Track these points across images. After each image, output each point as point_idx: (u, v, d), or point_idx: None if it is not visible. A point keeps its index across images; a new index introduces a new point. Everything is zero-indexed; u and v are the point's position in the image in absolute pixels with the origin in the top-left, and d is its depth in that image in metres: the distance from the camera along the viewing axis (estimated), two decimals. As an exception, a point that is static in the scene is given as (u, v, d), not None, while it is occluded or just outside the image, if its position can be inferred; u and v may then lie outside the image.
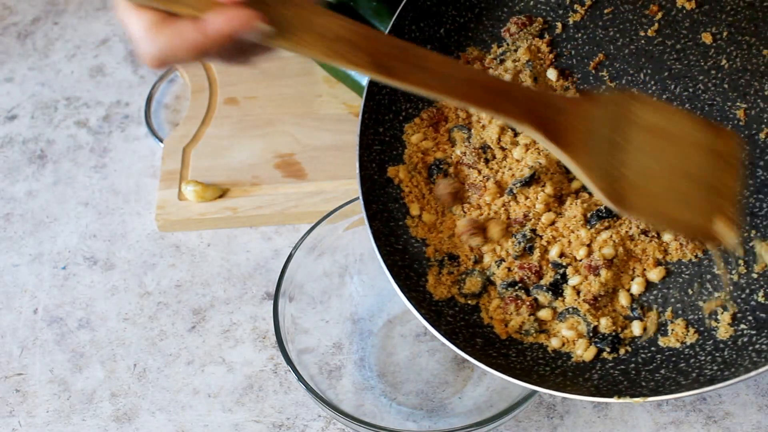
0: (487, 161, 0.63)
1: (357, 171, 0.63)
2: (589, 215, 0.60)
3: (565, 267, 0.60)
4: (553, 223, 0.61)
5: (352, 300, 0.72)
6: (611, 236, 0.60)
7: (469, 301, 0.62)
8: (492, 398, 0.65)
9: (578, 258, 0.60)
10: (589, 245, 0.60)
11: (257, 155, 0.84)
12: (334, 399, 0.65)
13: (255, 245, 0.78)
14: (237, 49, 0.45)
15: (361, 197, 0.62)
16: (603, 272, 0.59)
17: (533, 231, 0.61)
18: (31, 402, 0.68)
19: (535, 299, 0.60)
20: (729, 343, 0.55)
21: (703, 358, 0.55)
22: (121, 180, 0.84)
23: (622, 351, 0.58)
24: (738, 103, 0.58)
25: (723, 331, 0.56)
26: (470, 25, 0.67)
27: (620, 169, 0.50)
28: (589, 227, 0.60)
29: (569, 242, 0.61)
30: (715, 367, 0.53)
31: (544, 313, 0.60)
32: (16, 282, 0.76)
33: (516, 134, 0.63)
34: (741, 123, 0.58)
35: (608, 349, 0.58)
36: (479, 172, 0.63)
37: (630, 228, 0.60)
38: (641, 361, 0.56)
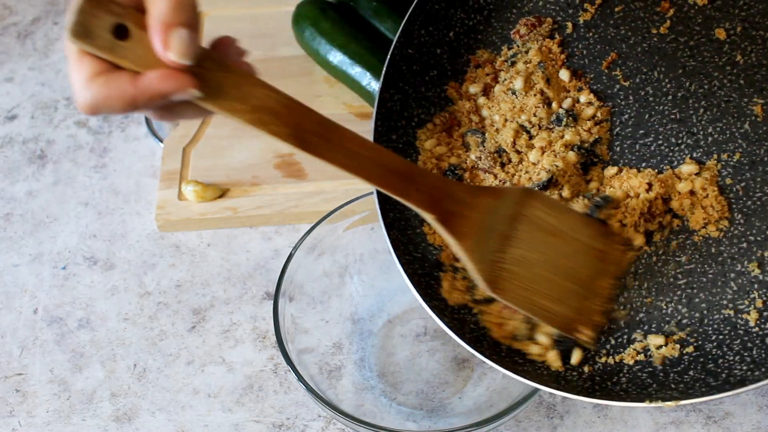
0: (503, 165, 0.63)
1: None
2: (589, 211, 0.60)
3: None
4: None
5: (352, 300, 0.72)
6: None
7: (482, 308, 0.61)
8: (492, 398, 0.65)
9: None
10: None
11: (257, 155, 0.84)
12: (334, 399, 0.65)
13: (255, 245, 0.78)
14: (168, 107, 0.47)
15: (377, 206, 0.62)
16: None
17: None
18: (31, 402, 0.68)
19: None
20: (757, 341, 0.54)
21: (731, 358, 0.54)
22: (121, 180, 0.84)
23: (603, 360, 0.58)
24: (755, 99, 0.57)
25: (752, 325, 0.55)
26: (479, 28, 0.67)
27: (502, 258, 0.55)
28: None
29: None
30: (745, 368, 0.52)
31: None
32: (16, 282, 0.76)
33: (531, 137, 0.63)
34: (758, 119, 0.57)
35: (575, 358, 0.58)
36: (495, 176, 0.63)
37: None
38: (669, 363, 0.56)
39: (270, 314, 0.72)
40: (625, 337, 0.58)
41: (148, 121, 0.88)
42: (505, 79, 0.65)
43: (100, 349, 0.72)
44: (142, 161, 0.85)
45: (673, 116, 0.60)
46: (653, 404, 0.52)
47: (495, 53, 0.66)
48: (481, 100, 0.65)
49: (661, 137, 0.61)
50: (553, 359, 0.58)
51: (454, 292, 0.61)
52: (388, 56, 0.65)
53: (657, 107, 0.61)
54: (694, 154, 0.59)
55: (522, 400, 0.59)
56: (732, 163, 0.58)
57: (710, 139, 0.59)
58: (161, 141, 0.85)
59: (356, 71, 0.85)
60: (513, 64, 0.65)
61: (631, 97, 0.62)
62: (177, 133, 0.85)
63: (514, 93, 0.64)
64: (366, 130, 0.85)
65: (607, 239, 0.59)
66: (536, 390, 0.57)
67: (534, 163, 0.62)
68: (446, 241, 0.54)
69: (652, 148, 0.61)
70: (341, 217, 0.70)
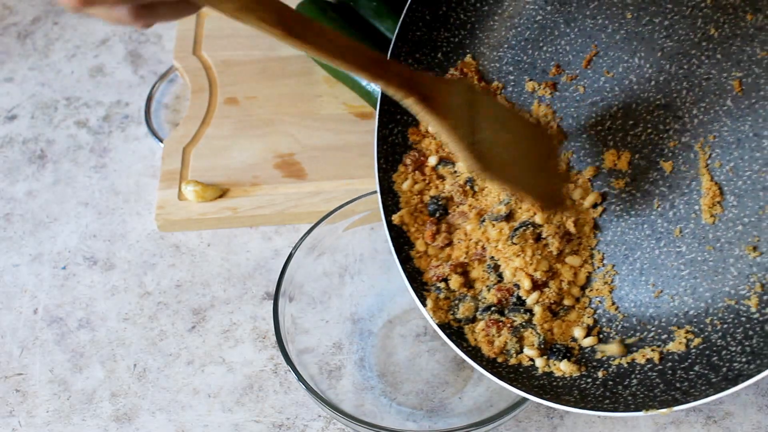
0: (474, 192, 0.65)
1: (380, 205, 0.66)
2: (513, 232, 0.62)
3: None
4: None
5: (352, 300, 0.72)
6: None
7: (466, 327, 0.62)
8: (492, 398, 0.65)
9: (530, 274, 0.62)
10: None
11: (257, 155, 0.84)
12: (334, 399, 0.65)
13: (255, 245, 0.78)
14: (148, 5, 0.46)
15: (381, 206, 0.64)
16: (552, 283, 0.61)
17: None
18: (31, 402, 0.68)
19: (513, 320, 0.61)
20: (757, 329, 0.53)
21: (734, 348, 0.54)
22: (121, 180, 0.84)
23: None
24: (734, 72, 0.57)
25: (753, 311, 0.55)
26: (465, 42, 0.68)
27: (475, 140, 0.55)
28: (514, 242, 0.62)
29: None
30: (744, 359, 0.52)
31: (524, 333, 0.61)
32: (16, 282, 0.76)
33: None
34: (739, 94, 0.57)
35: (558, 360, 0.59)
36: (470, 206, 0.65)
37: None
38: (678, 359, 0.56)
39: (270, 314, 0.72)
40: (638, 335, 0.59)
41: (148, 122, 0.88)
42: None
43: (100, 349, 0.72)
44: (142, 161, 0.85)
45: (658, 102, 0.60)
46: (650, 413, 0.53)
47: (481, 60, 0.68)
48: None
49: (650, 125, 0.60)
50: (571, 368, 0.58)
51: (438, 311, 0.62)
52: (380, 93, 0.67)
53: (642, 95, 0.61)
54: (683, 139, 0.59)
55: (522, 400, 0.59)
56: (719, 143, 0.58)
57: (696, 120, 0.58)
58: (161, 141, 0.85)
59: (356, 71, 0.85)
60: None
61: (617, 88, 0.62)
62: (177, 133, 0.85)
63: None
64: (367, 129, 0.85)
65: (536, 125, 0.62)
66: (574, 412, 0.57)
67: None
68: (430, 125, 0.55)
69: (643, 138, 0.61)
70: (341, 217, 0.70)
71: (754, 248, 0.55)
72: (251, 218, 0.79)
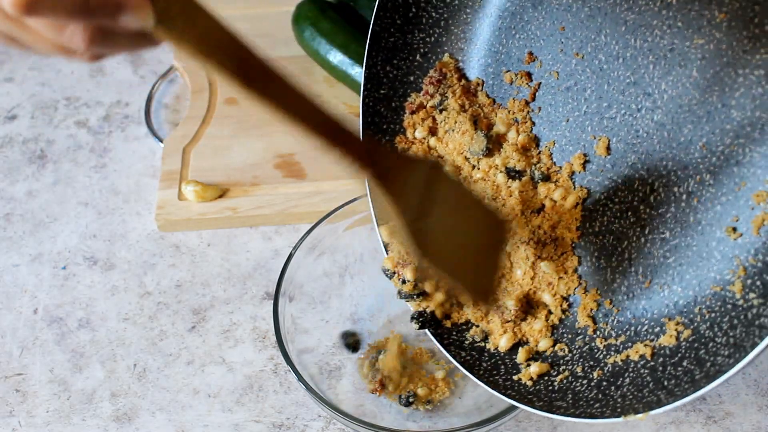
0: None
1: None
2: None
3: None
4: None
5: (352, 300, 0.72)
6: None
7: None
8: (492, 398, 0.65)
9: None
10: None
11: (257, 155, 0.84)
12: (334, 399, 0.65)
13: (255, 245, 0.78)
14: (103, 32, 0.42)
15: (371, 206, 0.65)
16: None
17: None
18: (31, 402, 0.68)
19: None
20: (741, 317, 0.52)
21: (720, 340, 0.53)
22: (121, 180, 0.84)
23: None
24: (695, 40, 0.56)
25: (737, 297, 0.53)
26: (442, 39, 0.68)
27: (426, 225, 0.54)
28: None
29: None
30: (726, 353, 0.52)
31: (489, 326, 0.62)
32: (16, 282, 0.76)
33: (475, 167, 0.65)
34: (703, 61, 0.56)
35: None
36: None
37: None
38: (668, 353, 0.55)
39: (270, 314, 0.72)
40: (633, 329, 0.58)
41: (148, 122, 0.88)
42: (442, 120, 0.66)
43: (100, 349, 0.72)
44: (142, 161, 0.85)
45: (628, 80, 0.60)
46: (628, 418, 0.52)
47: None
48: (432, 141, 0.67)
49: (623, 106, 0.60)
50: (578, 368, 0.58)
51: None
52: (361, 108, 0.67)
53: (612, 74, 0.61)
54: (655, 117, 0.58)
55: (522, 400, 0.59)
56: (690, 119, 0.57)
57: (666, 96, 0.58)
58: (161, 141, 0.85)
59: (356, 71, 0.85)
60: (441, 111, 0.67)
61: (588, 70, 0.62)
62: (177, 133, 0.85)
63: (453, 131, 0.66)
64: (366, 130, 0.85)
65: (494, 218, 0.60)
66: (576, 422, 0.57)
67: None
68: (381, 204, 0.54)
69: (618, 120, 0.60)
70: (341, 217, 0.70)
71: (734, 229, 0.54)
72: (251, 218, 0.79)
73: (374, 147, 0.53)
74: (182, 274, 0.76)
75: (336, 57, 0.86)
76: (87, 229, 0.80)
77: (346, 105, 0.88)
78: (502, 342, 0.61)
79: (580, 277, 0.61)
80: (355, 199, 0.70)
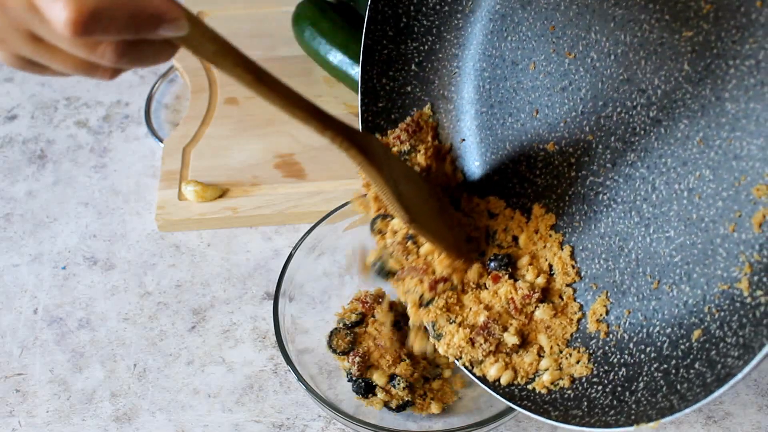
0: (417, 248, 0.64)
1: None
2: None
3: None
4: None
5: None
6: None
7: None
8: (492, 398, 0.65)
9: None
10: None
11: (257, 155, 0.84)
12: (334, 399, 0.65)
13: (255, 245, 0.78)
14: (135, 44, 0.42)
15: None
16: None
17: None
18: (31, 402, 0.68)
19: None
20: (750, 316, 0.52)
21: (730, 340, 0.52)
22: (121, 180, 0.84)
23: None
24: (684, 32, 0.56)
25: (745, 295, 0.53)
26: (436, 47, 0.68)
27: (401, 192, 0.58)
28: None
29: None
30: (736, 354, 0.51)
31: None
32: (16, 282, 0.76)
33: None
34: (693, 54, 0.55)
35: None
36: (414, 258, 0.64)
37: None
38: (681, 355, 0.55)
39: (270, 314, 0.72)
40: (645, 331, 0.58)
41: (148, 122, 0.88)
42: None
43: (100, 349, 0.72)
44: (142, 161, 0.85)
45: (621, 77, 0.59)
46: (640, 426, 0.52)
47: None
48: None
49: (618, 104, 0.60)
50: (582, 368, 0.58)
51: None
52: (360, 125, 0.67)
53: (605, 71, 0.60)
54: (651, 114, 0.58)
55: (522, 400, 0.59)
56: (685, 113, 0.56)
57: (659, 92, 0.57)
58: (161, 141, 0.85)
59: (356, 71, 0.85)
60: (406, 159, 0.66)
61: (581, 69, 0.62)
62: (177, 133, 0.85)
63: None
64: (366, 130, 0.85)
65: (427, 183, 0.65)
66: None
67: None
68: (369, 176, 0.57)
69: (614, 118, 0.60)
70: (341, 217, 0.70)
71: (737, 225, 0.54)
72: (251, 218, 0.79)
73: (354, 129, 0.56)
74: (182, 274, 0.76)
75: (336, 57, 0.86)
76: (87, 229, 0.80)
77: (346, 105, 0.88)
78: (491, 371, 0.60)
79: (581, 307, 0.61)
80: (355, 199, 0.70)
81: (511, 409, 0.60)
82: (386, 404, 0.65)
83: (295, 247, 0.68)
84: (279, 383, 0.69)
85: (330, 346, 0.67)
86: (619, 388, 0.56)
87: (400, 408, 0.65)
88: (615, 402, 0.55)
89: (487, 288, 0.62)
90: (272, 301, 0.66)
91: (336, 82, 0.90)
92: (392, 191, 0.57)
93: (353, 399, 0.66)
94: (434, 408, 0.65)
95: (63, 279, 0.76)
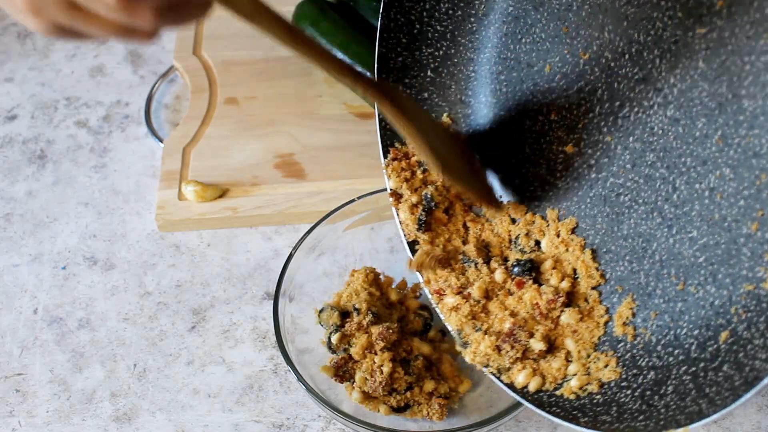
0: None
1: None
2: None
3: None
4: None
5: (352, 300, 0.72)
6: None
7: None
8: (492, 398, 0.65)
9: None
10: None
11: (257, 155, 0.84)
12: (334, 399, 0.65)
13: (255, 245, 0.78)
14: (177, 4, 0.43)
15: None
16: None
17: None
18: (31, 402, 0.68)
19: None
20: None
21: (757, 341, 0.51)
22: (121, 180, 0.84)
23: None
24: (698, 29, 0.55)
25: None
26: (451, 52, 0.68)
27: (431, 142, 0.60)
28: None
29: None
30: (764, 356, 0.50)
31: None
32: (16, 282, 0.76)
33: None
34: (708, 52, 0.55)
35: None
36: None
37: None
38: (709, 357, 0.54)
39: (270, 314, 0.72)
40: (672, 333, 0.57)
41: (148, 122, 0.88)
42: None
43: (100, 349, 0.72)
44: (142, 161, 0.85)
45: (637, 77, 0.59)
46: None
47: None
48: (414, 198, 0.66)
49: (635, 104, 0.59)
50: (610, 373, 0.58)
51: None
52: (378, 134, 0.67)
53: (620, 71, 0.60)
54: (668, 113, 0.58)
55: (522, 400, 0.59)
56: (703, 112, 0.56)
57: (675, 90, 0.57)
58: (161, 141, 0.85)
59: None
60: (425, 170, 0.66)
61: (596, 69, 0.61)
62: (177, 133, 0.85)
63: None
64: (367, 129, 0.85)
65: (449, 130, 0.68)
66: None
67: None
68: (399, 128, 0.58)
69: (632, 118, 0.60)
70: (341, 217, 0.70)
71: (760, 224, 0.53)
72: (251, 218, 0.79)
73: (384, 82, 0.59)
74: (182, 274, 0.76)
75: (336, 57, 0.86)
76: (87, 229, 0.80)
77: (346, 104, 0.88)
78: (519, 378, 0.59)
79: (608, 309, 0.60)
80: (355, 199, 0.70)
81: (511, 410, 0.60)
82: (388, 406, 0.65)
83: (295, 247, 0.68)
84: (279, 383, 0.69)
85: (330, 347, 0.66)
86: (648, 392, 0.55)
87: (401, 409, 0.65)
88: (644, 406, 0.54)
89: (511, 294, 0.62)
90: (272, 301, 0.66)
91: (336, 82, 0.89)
92: (424, 141, 0.58)
93: (353, 399, 0.66)
94: (435, 416, 0.64)
95: (63, 279, 0.76)
